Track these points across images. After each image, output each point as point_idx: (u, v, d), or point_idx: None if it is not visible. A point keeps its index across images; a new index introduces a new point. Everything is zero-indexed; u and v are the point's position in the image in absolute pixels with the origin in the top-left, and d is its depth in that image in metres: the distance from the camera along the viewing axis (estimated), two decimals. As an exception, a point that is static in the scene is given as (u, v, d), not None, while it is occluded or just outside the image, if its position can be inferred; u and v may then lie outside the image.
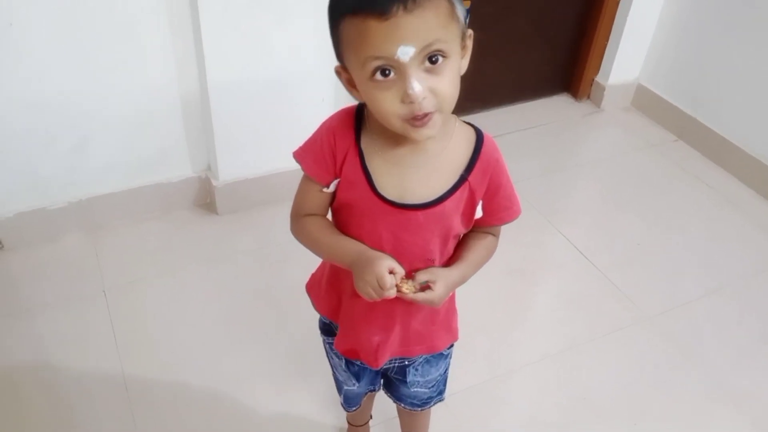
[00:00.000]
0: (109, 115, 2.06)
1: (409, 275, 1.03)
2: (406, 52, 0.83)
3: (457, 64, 0.90)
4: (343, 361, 1.29)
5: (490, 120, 2.88)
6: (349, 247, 1.04)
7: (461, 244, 1.11)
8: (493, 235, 1.13)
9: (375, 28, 0.82)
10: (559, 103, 3.10)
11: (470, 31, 0.93)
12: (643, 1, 2.79)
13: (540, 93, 3.10)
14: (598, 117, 3.03)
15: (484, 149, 1.01)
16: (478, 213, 1.05)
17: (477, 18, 2.49)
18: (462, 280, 1.08)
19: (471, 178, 1.00)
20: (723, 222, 2.48)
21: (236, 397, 1.77)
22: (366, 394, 1.41)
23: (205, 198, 2.37)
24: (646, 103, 3.04)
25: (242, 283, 2.09)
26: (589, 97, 3.11)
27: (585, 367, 1.91)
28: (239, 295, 2.05)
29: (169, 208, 2.32)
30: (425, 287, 1.02)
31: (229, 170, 2.27)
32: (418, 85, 0.85)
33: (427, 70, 0.86)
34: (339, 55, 0.92)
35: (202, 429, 1.72)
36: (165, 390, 1.78)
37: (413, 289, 1.01)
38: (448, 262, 1.10)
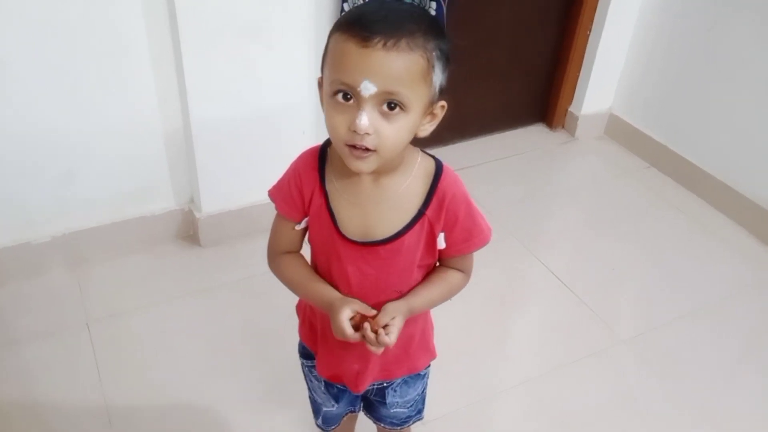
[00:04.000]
0: (93, 148, 2.09)
1: (377, 309, 1.06)
2: (367, 88, 0.88)
3: (413, 121, 0.94)
4: (323, 383, 1.32)
5: (467, 150, 2.94)
6: (321, 294, 1.09)
7: (426, 277, 1.15)
8: (461, 271, 1.15)
9: (352, 51, 0.88)
10: (535, 133, 3.18)
11: (443, 102, 0.99)
12: (612, 32, 2.88)
13: (515, 123, 3.18)
14: (572, 146, 3.11)
15: (440, 184, 1.04)
16: (441, 244, 1.09)
17: (453, 51, 2.55)
18: (409, 312, 1.09)
19: (428, 212, 1.05)
20: (696, 246, 2.55)
21: (218, 425, 1.79)
22: (345, 414, 1.43)
23: (188, 230, 2.39)
24: (618, 132, 3.12)
25: (224, 315, 2.11)
26: (563, 127, 3.19)
27: (563, 392, 1.95)
28: (221, 326, 2.07)
29: (152, 241, 2.34)
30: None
31: (211, 203, 2.30)
32: (366, 120, 0.90)
33: (382, 113, 0.91)
34: (321, 65, 0.97)
35: (186, 459, 1.73)
36: (147, 421, 1.79)
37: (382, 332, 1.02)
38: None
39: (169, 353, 1.98)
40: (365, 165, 0.95)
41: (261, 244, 2.32)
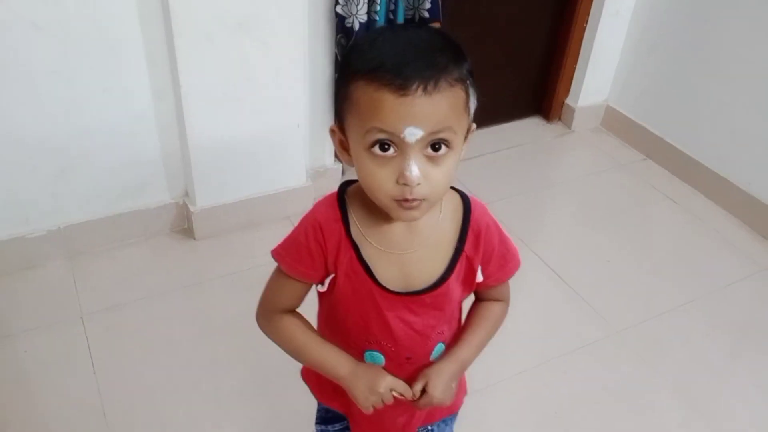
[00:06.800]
0: (89, 142, 2.09)
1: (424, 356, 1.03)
2: (413, 134, 0.80)
3: (457, 157, 0.87)
4: None
5: (463, 143, 2.93)
6: (338, 361, 1.01)
7: (467, 319, 1.11)
8: (501, 300, 1.11)
9: (389, 101, 0.79)
10: (531, 125, 3.18)
11: (474, 125, 0.93)
12: (608, 25, 2.88)
13: (512, 116, 3.17)
14: (569, 138, 3.11)
15: (473, 216, 0.98)
16: (479, 277, 1.03)
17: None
18: (463, 365, 1.05)
19: (466, 248, 0.98)
20: (691, 238, 2.55)
21: (213, 419, 1.79)
22: None
23: (183, 224, 2.39)
24: (614, 124, 3.12)
25: (220, 308, 2.11)
26: (560, 119, 3.19)
27: (557, 383, 1.95)
28: (217, 319, 2.07)
29: (147, 235, 2.35)
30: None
31: (206, 196, 2.30)
32: (416, 169, 0.82)
33: (428, 157, 0.83)
34: (339, 112, 0.88)
35: (180, 452, 1.73)
36: (142, 414, 1.80)
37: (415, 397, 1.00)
38: (457, 332, 1.09)
39: (163, 346, 1.98)
40: (416, 213, 0.87)
41: (255, 237, 2.34)
